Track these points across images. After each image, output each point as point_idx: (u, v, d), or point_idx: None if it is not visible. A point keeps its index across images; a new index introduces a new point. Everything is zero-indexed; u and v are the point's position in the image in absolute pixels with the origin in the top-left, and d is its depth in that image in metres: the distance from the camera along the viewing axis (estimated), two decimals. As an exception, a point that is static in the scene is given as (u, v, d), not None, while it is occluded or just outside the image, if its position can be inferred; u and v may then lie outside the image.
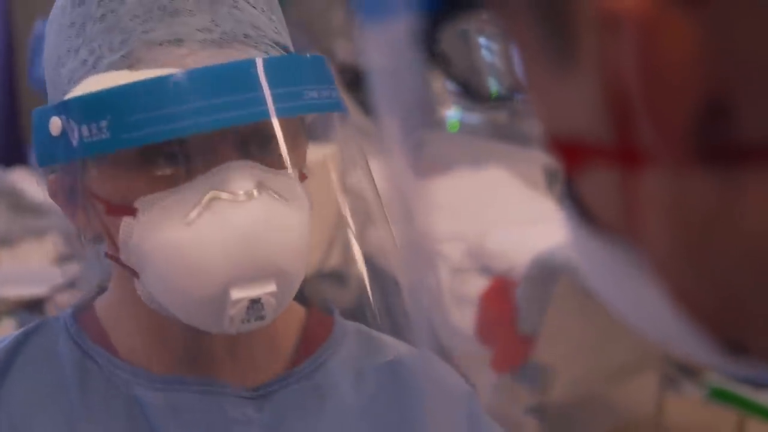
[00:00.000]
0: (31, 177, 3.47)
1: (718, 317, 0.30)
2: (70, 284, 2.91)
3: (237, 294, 0.81)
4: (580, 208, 0.32)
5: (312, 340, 0.94)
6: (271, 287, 0.82)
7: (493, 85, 0.35)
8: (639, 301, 0.32)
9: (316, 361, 0.93)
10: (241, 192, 0.81)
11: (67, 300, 2.80)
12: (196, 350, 0.88)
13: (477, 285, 3.04)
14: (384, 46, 0.35)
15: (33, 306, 2.85)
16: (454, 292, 3.10)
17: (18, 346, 0.93)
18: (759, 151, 0.28)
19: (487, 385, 2.97)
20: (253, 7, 0.86)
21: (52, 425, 0.89)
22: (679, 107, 0.28)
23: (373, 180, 0.90)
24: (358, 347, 0.95)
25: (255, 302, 0.81)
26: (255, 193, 0.81)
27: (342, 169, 0.89)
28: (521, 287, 2.87)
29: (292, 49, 0.89)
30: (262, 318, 0.82)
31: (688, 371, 3.14)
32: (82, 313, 0.93)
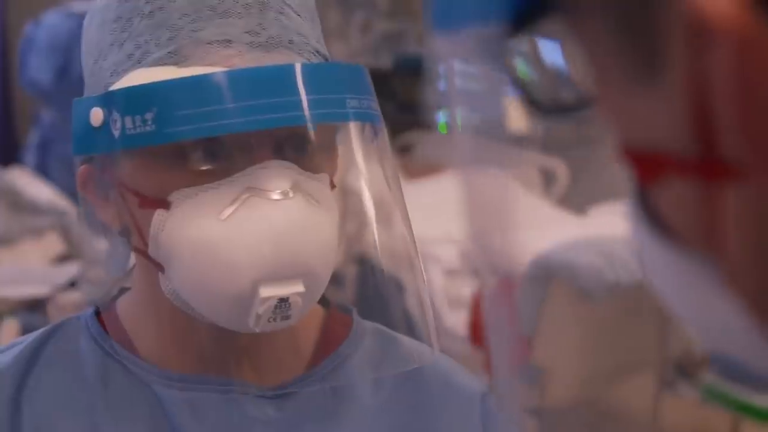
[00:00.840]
0: (28, 176, 3.47)
1: None
2: (72, 284, 2.91)
3: (266, 292, 0.81)
4: (653, 218, 0.33)
5: (331, 340, 0.95)
6: (300, 287, 0.82)
7: (562, 96, 0.35)
8: (710, 312, 0.32)
9: (335, 361, 0.94)
10: (277, 191, 0.82)
11: (69, 300, 2.80)
12: (217, 349, 0.89)
13: (470, 287, 3.04)
14: (455, 53, 0.35)
15: (35, 306, 2.85)
16: (448, 294, 3.11)
17: (40, 345, 0.93)
18: None
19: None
20: (299, 15, 0.88)
21: (74, 424, 0.89)
22: None
23: (398, 182, 0.91)
24: (376, 347, 0.96)
25: (283, 301, 0.82)
26: (290, 193, 0.82)
27: (346, 168, 0.90)
28: (519, 289, 2.88)
29: (329, 59, 0.91)
30: (288, 318, 0.83)
31: (684, 372, 3.14)
32: (104, 312, 0.94)
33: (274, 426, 0.90)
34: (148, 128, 0.81)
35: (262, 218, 0.81)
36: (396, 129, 4.42)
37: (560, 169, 3.70)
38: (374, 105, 0.88)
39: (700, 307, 0.33)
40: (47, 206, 3.21)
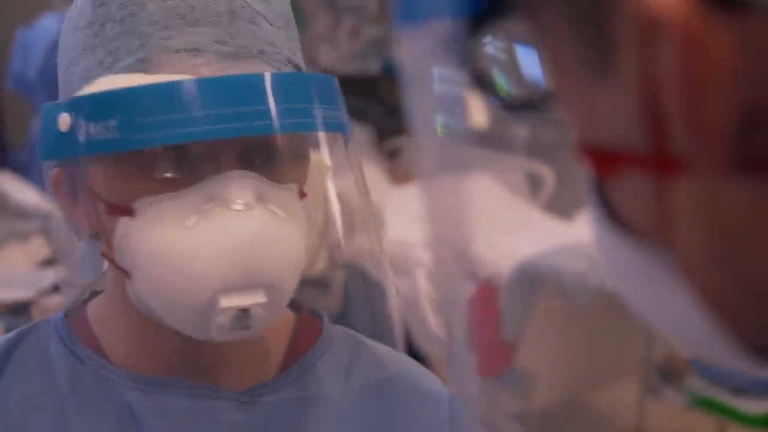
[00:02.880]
0: (15, 180, 3.47)
1: (747, 321, 0.31)
2: (56, 287, 2.91)
3: (226, 302, 0.82)
4: (610, 213, 0.33)
5: (301, 345, 0.95)
6: (261, 298, 0.82)
7: (525, 94, 0.36)
8: (667, 304, 0.33)
9: (304, 365, 0.94)
10: (240, 202, 0.82)
11: (53, 303, 2.80)
12: (185, 354, 0.89)
13: (463, 291, 3.04)
14: (418, 52, 0.35)
15: (19, 309, 2.84)
16: (433, 298, 3.11)
17: (10, 348, 0.93)
18: None
19: (472, 390, 2.97)
20: (271, 24, 0.88)
21: (44, 426, 0.89)
22: (718, 116, 0.29)
23: (364, 186, 0.91)
24: (346, 351, 0.96)
25: (243, 312, 0.82)
26: (253, 204, 0.82)
27: (329, 174, 0.90)
28: (504, 293, 2.88)
29: (303, 68, 0.91)
30: (247, 328, 0.83)
31: (669, 377, 3.15)
32: (74, 316, 0.94)
33: (242, 430, 0.90)
34: (111, 135, 0.81)
35: (223, 229, 0.81)
36: (384, 134, 4.42)
37: (547, 174, 3.70)
38: (342, 115, 0.88)
39: (659, 301, 0.33)
40: (33, 210, 3.21)
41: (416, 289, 3.13)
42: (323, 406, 0.93)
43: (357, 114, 3.86)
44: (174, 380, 0.90)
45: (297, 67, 0.89)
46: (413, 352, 2.90)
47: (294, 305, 0.95)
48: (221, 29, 0.85)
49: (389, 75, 5.04)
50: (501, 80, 0.35)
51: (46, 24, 3.82)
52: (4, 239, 3.25)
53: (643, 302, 0.35)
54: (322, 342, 0.96)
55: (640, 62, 0.30)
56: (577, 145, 0.33)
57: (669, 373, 3.15)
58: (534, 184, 3.71)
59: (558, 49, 0.33)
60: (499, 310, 2.89)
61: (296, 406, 0.93)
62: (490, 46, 0.34)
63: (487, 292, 2.95)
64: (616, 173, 0.32)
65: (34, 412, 0.90)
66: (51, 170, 0.89)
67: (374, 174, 3.49)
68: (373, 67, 5.24)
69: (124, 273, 0.85)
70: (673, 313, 0.33)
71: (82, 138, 0.82)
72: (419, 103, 0.37)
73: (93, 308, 0.94)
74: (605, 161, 0.32)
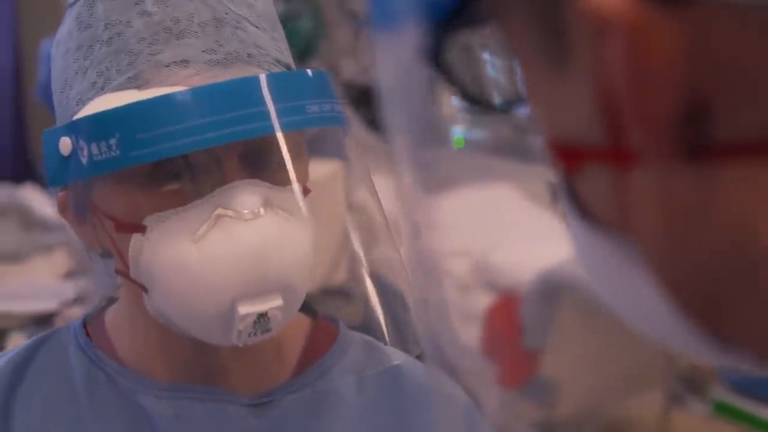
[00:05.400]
0: (40, 193, 3.48)
1: (706, 309, 0.32)
2: (79, 299, 2.92)
3: (244, 309, 0.83)
4: (579, 207, 0.34)
5: (316, 349, 0.96)
6: (278, 302, 0.84)
7: (497, 97, 0.36)
8: (634, 296, 0.33)
9: (319, 370, 0.95)
10: (247, 211, 0.83)
11: (76, 315, 2.81)
12: (201, 360, 0.90)
13: (482, 301, 3.04)
14: (391, 59, 0.36)
15: (43, 321, 2.86)
16: (460, 308, 3.10)
17: (31, 354, 0.95)
18: (733, 149, 0.29)
19: (493, 401, 2.96)
20: (256, 27, 0.88)
21: (64, 431, 0.90)
22: (663, 107, 0.29)
23: (376, 195, 0.92)
24: (361, 356, 0.96)
25: (262, 316, 0.83)
26: (261, 210, 0.83)
27: (347, 185, 0.90)
28: (526, 303, 2.88)
29: (293, 66, 0.91)
30: (268, 331, 0.84)
31: (693, 387, 3.13)
32: (92, 323, 0.96)
33: None
34: (113, 153, 0.82)
35: (234, 239, 0.83)
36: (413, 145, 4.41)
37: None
38: (338, 108, 0.88)
39: (626, 294, 0.34)
40: (57, 223, 3.23)
41: (445, 301, 3.12)
42: (337, 411, 0.94)
43: (380, 124, 3.85)
44: (188, 386, 0.91)
45: (287, 66, 0.90)
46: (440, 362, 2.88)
47: (309, 311, 0.95)
48: (208, 38, 0.86)
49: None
50: (472, 82, 0.35)
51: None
52: (29, 252, 3.26)
53: (613, 295, 0.35)
54: (336, 347, 0.96)
55: (591, 57, 0.30)
56: (545, 141, 0.33)
57: (693, 382, 3.14)
58: (555, 193, 3.70)
59: (522, 48, 0.33)
60: (521, 319, 2.89)
61: (310, 410, 0.93)
62: (462, 49, 0.35)
63: (507, 302, 2.95)
64: (580, 167, 0.32)
65: (54, 417, 0.91)
66: (57, 193, 0.90)
67: (395, 185, 3.48)
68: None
69: (141, 288, 0.86)
70: (639, 305, 0.33)
71: (84, 160, 0.83)
72: (395, 109, 0.38)
73: (110, 315, 0.95)
74: (570, 156, 0.33)
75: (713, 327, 0.32)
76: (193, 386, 0.91)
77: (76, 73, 0.87)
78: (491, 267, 3.08)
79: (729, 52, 0.29)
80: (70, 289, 3.02)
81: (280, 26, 0.92)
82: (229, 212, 0.83)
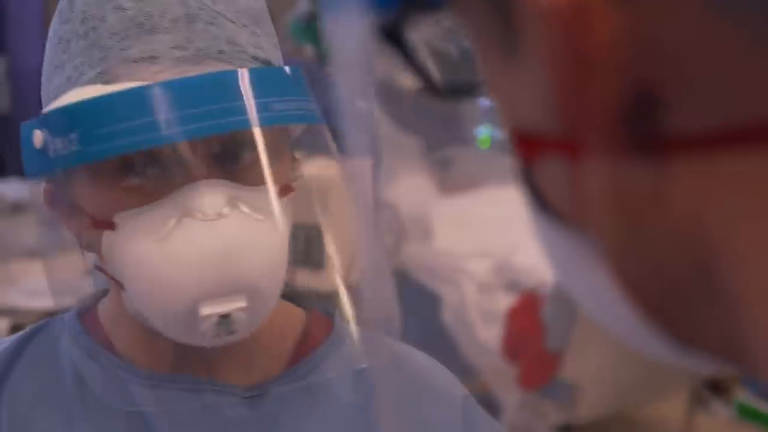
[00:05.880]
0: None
1: (661, 307, 0.31)
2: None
3: (206, 310, 0.82)
4: (538, 198, 0.33)
5: (310, 342, 0.96)
6: (241, 303, 0.83)
7: (455, 80, 0.35)
8: (594, 292, 0.32)
9: (312, 362, 0.94)
10: (210, 212, 0.82)
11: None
12: (191, 351, 0.89)
13: (504, 301, 3.04)
14: (347, 39, 0.35)
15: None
16: (481, 309, 3.10)
17: (23, 343, 0.95)
18: (685, 142, 0.28)
19: (514, 401, 2.96)
20: (233, 22, 0.87)
21: (51, 421, 0.91)
22: (608, 97, 0.28)
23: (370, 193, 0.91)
24: (356, 349, 0.95)
25: (224, 317, 0.83)
26: (226, 210, 0.82)
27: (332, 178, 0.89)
28: (548, 304, 2.87)
29: (275, 62, 0.90)
30: (232, 332, 0.84)
31: (718, 390, 3.12)
32: (85, 313, 0.96)
33: (248, 426, 0.91)
34: (73, 148, 0.81)
35: (196, 239, 0.82)
36: (433, 144, 4.41)
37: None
38: (309, 105, 0.87)
39: (586, 288, 0.33)
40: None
41: (464, 300, 3.12)
42: (330, 404, 0.93)
43: (406, 124, 3.85)
44: (180, 376, 0.91)
45: (266, 62, 0.89)
46: (461, 362, 2.89)
47: (305, 303, 0.95)
48: (179, 34, 0.85)
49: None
50: (431, 66, 0.34)
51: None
52: (50, 248, 3.27)
53: (575, 289, 0.34)
54: (331, 340, 0.96)
55: (538, 43, 0.29)
56: (505, 130, 0.32)
57: (717, 385, 3.12)
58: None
59: (479, 34, 0.32)
60: (543, 320, 2.88)
61: (302, 402, 0.93)
62: (421, 32, 0.34)
63: (529, 302, 2.94)
64: (537, 157, 0.32)
65: (43, 405, 0.91)
66: (39, 186, 0.90)
67: (423, 184, 3.49)
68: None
69: (118, 284, 0.86)
70: (599, 301, 0.33)
71: (51, 154, 0.83)
72: (348, 89, 0.37)
73: (103, 306, 0.96)
74: (527, 145, 0.32)
75: (669, 325, 0.31)
76: (184, 377, 0.91)
77: (56, 67, 0.87)
78: (513, 267, 3.07)
79: (676, 39, 0.27)
80: (89, 286, 3.03)
81: (267, 21, 0.91)
82: (191, 212, 0.82)
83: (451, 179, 3.61)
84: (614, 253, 0.30)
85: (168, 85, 0.81)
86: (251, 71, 0.85)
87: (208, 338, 0.83)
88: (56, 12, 0.90)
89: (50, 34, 0.90)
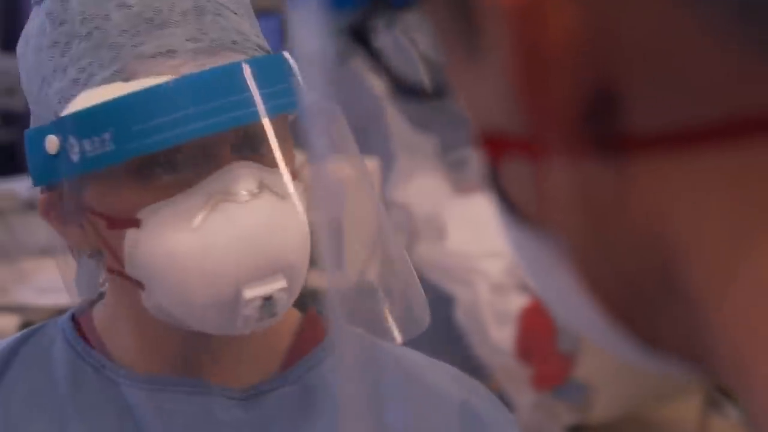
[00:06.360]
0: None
1: (625, 310, 0.30)
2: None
3: (250, 293, 0.82)
4: (504, 198, 0.32)
5: (306, 343, 0.95)
6: (282, 283, 0.83)
7: (426, 81, 0.35)
8: (561, 293, 0.32)
9: (308, 364, 0.94)
10: (245, 192, 0.82)
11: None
12: (189, 353, 0.89)
13: (517, 302, 3.03)
14: (310, 38, 0.34)
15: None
16: (494, 309, 3.10)
17: (17, 346, 0.94)
18: (645, 142, 0.27)
19: (527, 402, 2.95)
20: (235, 13, 0.88)
21: (44, 424, 0.90)
22: (567, 95, 0.28)
23: (364, 166, 0.91)
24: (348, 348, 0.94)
25: (267, 300, 0.83)
26: (257, 191, 0.82)
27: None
28: (563, 304, 2.86)
29: (270, 50, 0.91)
30: (274, 314, 0.83)
31: (731, 393, 3.10)
32: (80, 317, 0.95)
33: (243, 428, 0.90)
34: (108, 148, 0.81)
35: (234, 222, 0.82)
36: (448, 144, 4.41)
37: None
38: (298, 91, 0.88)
39: (554, 290, 0.33)
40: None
41: (477, 300, 3.11)
42: (325, 406, 0.92)
43: (421, 123, 3.85)
44: (174, 378, 0.90)
45: (267, 50, 0.89)
46: (474, 362, 2.88)
47: (300, 304, 0.95)
48: (191, 27, 0.85)
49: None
50: (397, 66, 0.34)
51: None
52: (63, 246, 3.28)
53: (543, 291, 0.34)
54: (327, 341, 0.95)
55: (496, 39, 0.28)
56: (471, 130, 0.32)
57: (730, 388, 3.10)
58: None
59: (441, 31, 0.32)
60: (556, 321, 2.87)
61: (297, 404, 0.92)
62: (387, 31, 0.33)
63: (543, 303, 2.93)
64: (502, 158, 0.31)
65: (35, 408, 0.91)
66: (39, 195, 0.89)
67: (438, 184, 3.49)
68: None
69: (138, 285, 0.85)
70: (565, 302, 0.32)
71: (75, 157, 0.82)
72: (312, 86, 0.36)
73: (98, 310, 0.95)
74: (492, 146, 0.31)
75: (634, 327, 0.30)
76: (179, 379, 0.90)
77: (54, 70, 0.86)
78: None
79: (637, 35, 0.26)
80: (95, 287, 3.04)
81: (252, 12, 0.91)
82: (226, 196, 0.82)
83: (465, 179, 3.61)
84: (578, 254, 0.30)
85: (199, 77, 0.82)
86: (269, 59, 0.86)
87: (250, 323, 0.83)
88: (41, 15, 0.87)
89: (33, 37, 0.88)
